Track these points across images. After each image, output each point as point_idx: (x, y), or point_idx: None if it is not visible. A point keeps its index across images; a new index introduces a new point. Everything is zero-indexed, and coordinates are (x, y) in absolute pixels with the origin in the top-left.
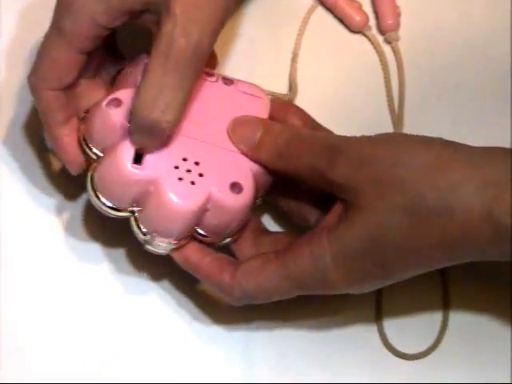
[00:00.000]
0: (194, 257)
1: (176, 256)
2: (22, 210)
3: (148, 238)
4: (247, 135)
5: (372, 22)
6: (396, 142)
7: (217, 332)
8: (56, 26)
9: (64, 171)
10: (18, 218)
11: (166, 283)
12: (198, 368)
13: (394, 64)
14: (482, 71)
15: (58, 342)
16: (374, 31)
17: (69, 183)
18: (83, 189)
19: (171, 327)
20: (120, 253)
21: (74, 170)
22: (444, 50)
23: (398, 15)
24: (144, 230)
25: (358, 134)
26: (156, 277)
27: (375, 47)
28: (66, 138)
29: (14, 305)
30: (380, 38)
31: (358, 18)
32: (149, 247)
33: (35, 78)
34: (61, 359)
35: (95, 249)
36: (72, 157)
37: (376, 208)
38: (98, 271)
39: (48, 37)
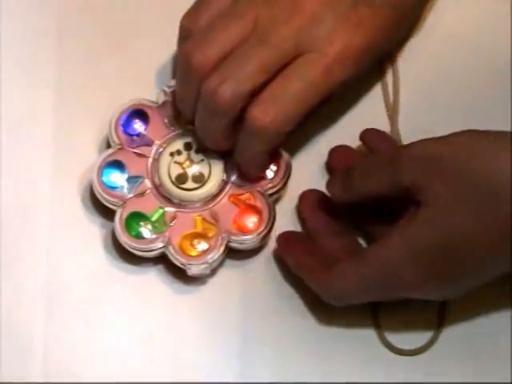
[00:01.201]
0: (303, 259)
1: (289, 261)
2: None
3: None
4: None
5: None
6: (467, 137)
7: (215, 331)
8: None
9: None
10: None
11: (163, 283)
12: (196, 368)
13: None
14: (481, 69)
15: (58, 341)
16: None
17: None
18: None
19: (169, 327)
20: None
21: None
22: (440, 47)
23: None
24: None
25: (353, 130)
26: (155, 278)
27: None
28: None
29: (14, 304)
30: None
31: None
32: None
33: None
34: (62, 359)
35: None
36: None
37: (447, 203)
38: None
39: None
